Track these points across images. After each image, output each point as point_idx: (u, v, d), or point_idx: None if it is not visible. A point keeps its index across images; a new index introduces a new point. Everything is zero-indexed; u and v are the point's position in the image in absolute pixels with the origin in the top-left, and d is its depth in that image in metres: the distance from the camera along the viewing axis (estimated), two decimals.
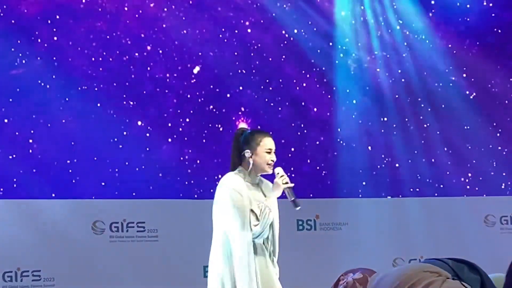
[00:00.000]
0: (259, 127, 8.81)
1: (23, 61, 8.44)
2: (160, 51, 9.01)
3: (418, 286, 2.39)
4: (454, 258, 2.70)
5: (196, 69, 9.11)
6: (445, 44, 9.59)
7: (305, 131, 9.33)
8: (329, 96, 9.45)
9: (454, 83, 9.60)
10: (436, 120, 9.48)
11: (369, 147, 9.37)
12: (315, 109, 9.41)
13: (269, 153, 5.40)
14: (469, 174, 9.51)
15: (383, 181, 9.28)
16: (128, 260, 8.03)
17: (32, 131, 8.37)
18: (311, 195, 8.99)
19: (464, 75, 9.63)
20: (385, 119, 9.45)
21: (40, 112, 8.44)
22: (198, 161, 8.89)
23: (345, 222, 8.74)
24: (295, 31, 9.38)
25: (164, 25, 9.02)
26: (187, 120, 8.98)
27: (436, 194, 9.34)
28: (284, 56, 9.34)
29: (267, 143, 5.41)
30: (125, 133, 8.71)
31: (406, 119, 9.48)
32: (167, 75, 8.99)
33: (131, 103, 8.81)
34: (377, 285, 2.51)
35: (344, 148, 9.30)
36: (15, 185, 8.14)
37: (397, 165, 9.37)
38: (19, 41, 8.43)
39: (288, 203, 8.72)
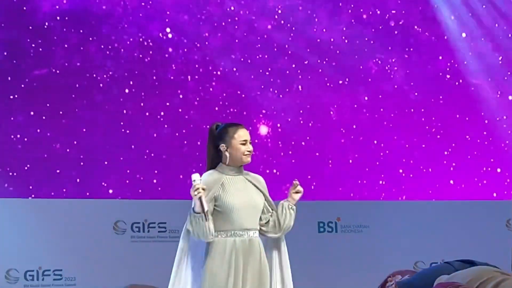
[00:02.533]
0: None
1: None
2: (181, 53, 9.03)
3: (492, 281, 2.42)
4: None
5: (217, 72, 9.13)
6: None
7: (326, 133, 9.32)
8: (348, 99, 9.44)
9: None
10: (458, 123, 9.46)
11: (387, 151, 9.34)
12: (335, 112, 9.40)
13: (244, 144, 5.33)
14: (491, 178, 9.48)
15: (403, 183, 9.24)
16: (149, 260, 8.02)
17: (54, 131, 8.43)
18: (332, 198, 8.99)
19: None
20: (410, 119, 9.43)
21: (61, 111, 8.49)
22: None
23: (366, 225, 8.71)
24: (314, 29, 9.38)
25: (185, 28, 9.05)
26: (209, 122, 8.98)
27: (457, 198, 9.30)
28: (305, 59, 9.34)
29: (241, 134, 5.33)
30: (147, 134, 8.75)
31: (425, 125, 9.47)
32: (188, 77, 9.01)
33: (152, 104, 8.84)
34: (448, 281, 2.53)
35: (365, 150, 9.28)
36: (37, 185, 8.18)
37: (416, 167, 9.34)
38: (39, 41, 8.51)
39: (308, 205, 8.77)
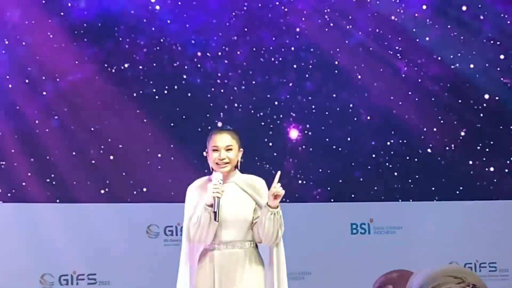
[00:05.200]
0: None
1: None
2: (210, 56, 9.03)
3: None
4: None
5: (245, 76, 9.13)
6: None
7: (356, 136, 9.28)
8: (378, 100, 9.39)
9: None
10: (486, 120, 9.39)
11: (420, 150, 9.28)
12: (365, 114, 9.36)
13: (215, 150, 5.02)
14: None
15: (437, 184, 9.18)
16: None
17: (86, 136, 8.47)
18: (364, 199, 8.95)
19: None
20: (441, 120, 9.36)
21: (94, 116, 8.53)
22: (249, 166, 8.87)
23: (399, 226, 8.69)
24: (343, 30, 9.36)
25: (213, 31, 9.06)
26: (238, 126, 8.97)
27: (491, 198, 9.21)
28: (334, 61, 9.31)
29: (214, 139, 5.04)
30: (177, 138, 8.76)
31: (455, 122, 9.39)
32: (218, 81, 9.02)
33: (181, 108, 8.84)
34: (413, 281, 2.46)
35: (396, 152, 9.23)
36: (70, 190, 8.21)
37: (449, 168, 9.27)
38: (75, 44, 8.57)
39: (340, 207, 8.75)
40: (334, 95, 9.25)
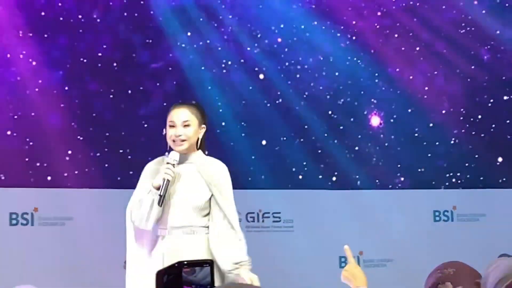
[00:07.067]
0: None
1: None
2: (289, 41, 9.01)
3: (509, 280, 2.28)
4: None
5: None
6: None
7: (438, 123, 9.18)
8: (461, 87, 9.27)
9: None
10: None
11: (502, 137, 9.13)
12: (447, 101, 9.26)
13: (172, 126, 4.67)
14: None
15: None
16: (264, 250, 8.03)
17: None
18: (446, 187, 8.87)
19: None
20: None
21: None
22: (330, 154, 8.86)
23: (482, 213, 8.58)
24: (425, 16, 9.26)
25: (292, 17, 9.03)
26: (319, 114, 8.96)
27: None
28: (416, 46, 9.22)
29: (171, 114, 4.69)
30: (259, 128, 8.78)
31: None
32: (298, 67, 9.00)
33: (263, 101, 8.86)
34: (490, 272, 2.42)
35: (478, 139, 9.10)
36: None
37: None
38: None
39: (423, 194, 8.67)
40: (416, 82, 9.16)
